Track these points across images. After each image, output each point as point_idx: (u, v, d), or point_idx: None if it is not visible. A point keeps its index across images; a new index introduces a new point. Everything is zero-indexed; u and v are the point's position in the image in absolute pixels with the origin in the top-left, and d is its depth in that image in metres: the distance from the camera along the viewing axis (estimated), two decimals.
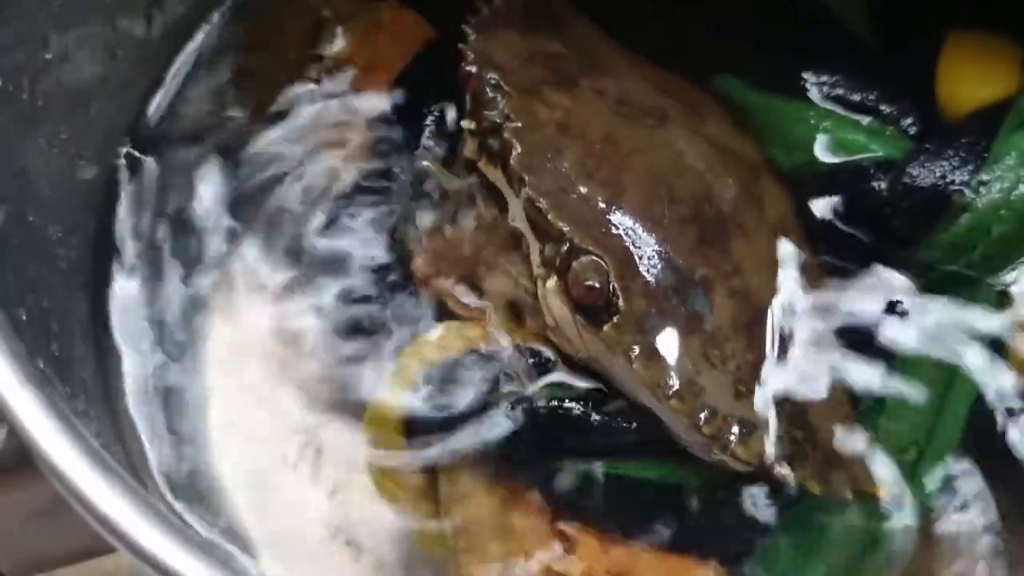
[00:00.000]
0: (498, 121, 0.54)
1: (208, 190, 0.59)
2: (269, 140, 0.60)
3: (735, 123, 0.59)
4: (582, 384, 0.52)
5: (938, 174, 0.54)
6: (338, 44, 0.62)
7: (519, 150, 0.52)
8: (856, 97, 0.57)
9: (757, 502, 0.51)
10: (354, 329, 0.55)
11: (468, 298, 0.55)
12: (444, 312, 0.55)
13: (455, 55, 0.57)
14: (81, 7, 0.53)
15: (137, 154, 0.59)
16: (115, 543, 0.35)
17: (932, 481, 0.51)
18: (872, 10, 0.60)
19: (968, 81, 0.57)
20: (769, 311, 0.52)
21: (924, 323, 0.54)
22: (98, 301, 0.55)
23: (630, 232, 0.51)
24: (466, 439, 0.52)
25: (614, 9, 0.62)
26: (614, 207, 0.51)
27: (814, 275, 0.55)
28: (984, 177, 0.54)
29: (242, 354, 0.56)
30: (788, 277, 0.53)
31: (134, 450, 0.52)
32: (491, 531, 0.51)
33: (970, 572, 0.51)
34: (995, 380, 0.53)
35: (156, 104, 0.60)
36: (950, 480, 0.52)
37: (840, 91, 0.58)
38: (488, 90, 0.55)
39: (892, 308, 0.54)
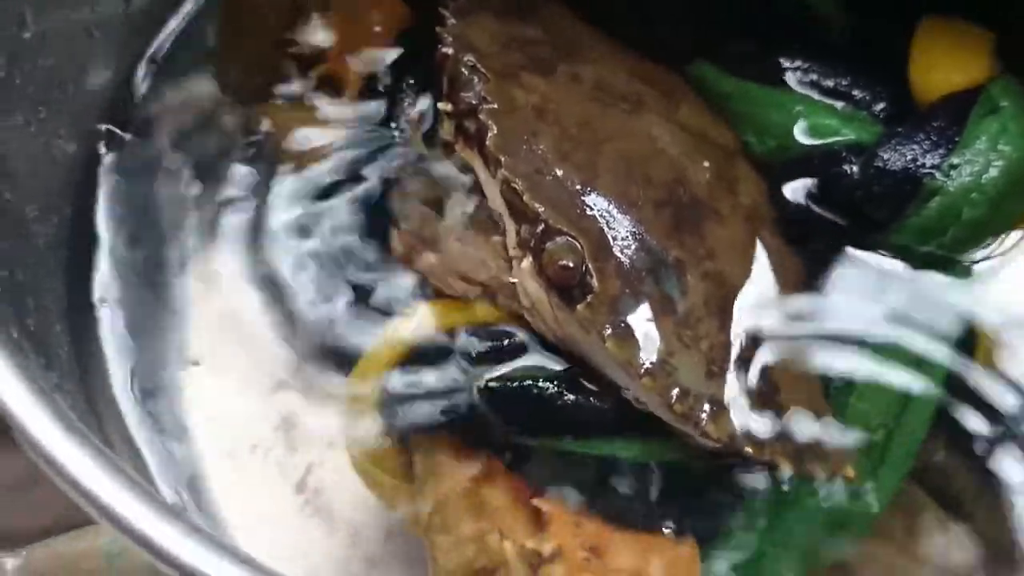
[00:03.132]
0: (474, 103, 0.54)
1: (188, 171, 0.59)
2: (248, 121, 0.60)
3: (710, 108, 0.59)
4: (556, 365, 0.52)
5: (909, 158, 0.55)
6: (316, 28, 0.62)
7: (495, 132, 0.53)
8: (829, 83, 0.58)
9: (731, 481, 0.52)
10: (335, 307, 0.55)
11: (449, 278, 0.55)
12: (428, 291, 0.55)
13: (434, 39, 0.57)
14: None
15: (118, 133, 0.59)
16: (93, 513, 0.35)
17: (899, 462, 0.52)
18: None
19: (939, 67, 0.58)
20: (742, 293, 0.53)
21: (896, 305, 0.55)
22: (75, 281, 0.55)
23: (605, 214, 0.51)
24: (442, 417, 0.52)
25: None
26: (589, 189, 0.52)
27: (787, 258, 0.55)
28: (955, 161, 0.54)
29: (220, 335, 0.56)
30: (761, 260, 0.54)
31: (110, 431, 0.52)
32: (465, 508, 0.51)
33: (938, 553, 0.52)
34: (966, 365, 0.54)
35: (135, 84, 0.60)
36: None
37: (814, 76, 0.58)
38: (465, 72, 0.55)
39: (864, 290, 0.55)
